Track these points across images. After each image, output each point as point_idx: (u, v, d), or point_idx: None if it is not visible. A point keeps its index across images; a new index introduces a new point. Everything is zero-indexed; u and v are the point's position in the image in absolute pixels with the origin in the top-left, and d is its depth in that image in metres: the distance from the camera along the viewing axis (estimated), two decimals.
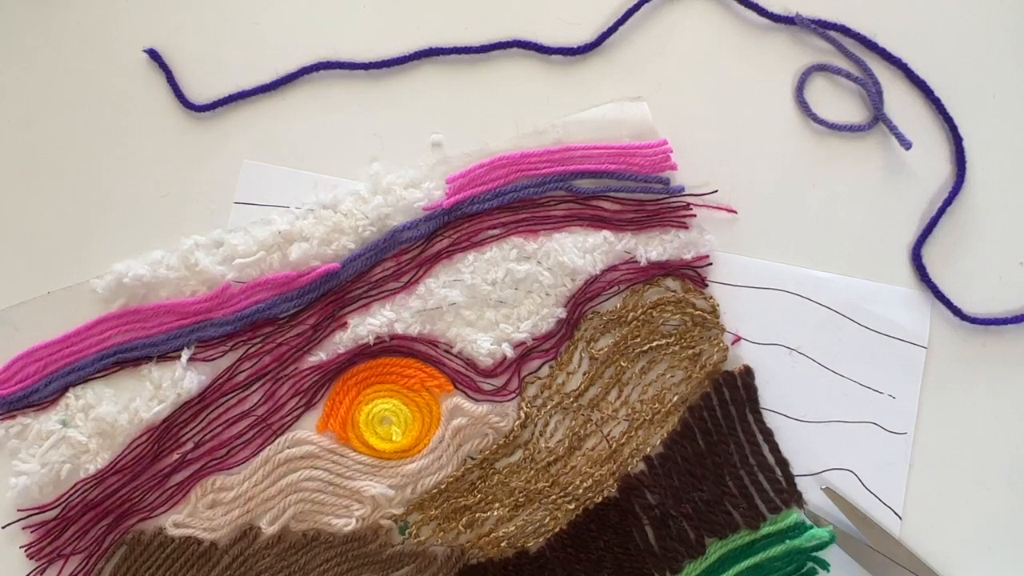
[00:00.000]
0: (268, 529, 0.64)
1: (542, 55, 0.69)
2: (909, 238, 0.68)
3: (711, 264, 0.67)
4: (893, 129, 0.67)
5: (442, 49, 0.68)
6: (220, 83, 0.68)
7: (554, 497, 0.65)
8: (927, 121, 0.69)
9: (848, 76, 0.68)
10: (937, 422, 0.66)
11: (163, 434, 0.64)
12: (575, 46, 0.69)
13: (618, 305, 0.66)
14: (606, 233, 0.67)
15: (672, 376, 0.66)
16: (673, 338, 0.66)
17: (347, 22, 0.69)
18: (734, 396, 0.65)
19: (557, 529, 0.64)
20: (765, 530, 0.64)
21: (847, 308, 0.67)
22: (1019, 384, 0.67)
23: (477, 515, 0.64)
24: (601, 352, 0.66)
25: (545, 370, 0.66)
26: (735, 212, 0.67)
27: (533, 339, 0.66)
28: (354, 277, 0.66)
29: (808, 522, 0.64)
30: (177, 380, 0.64)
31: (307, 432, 0.65)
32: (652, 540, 0.64)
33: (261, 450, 0.65)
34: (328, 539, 0.64)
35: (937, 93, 0.68)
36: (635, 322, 0.66)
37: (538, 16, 0.69)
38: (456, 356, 0.66)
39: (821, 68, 0.68)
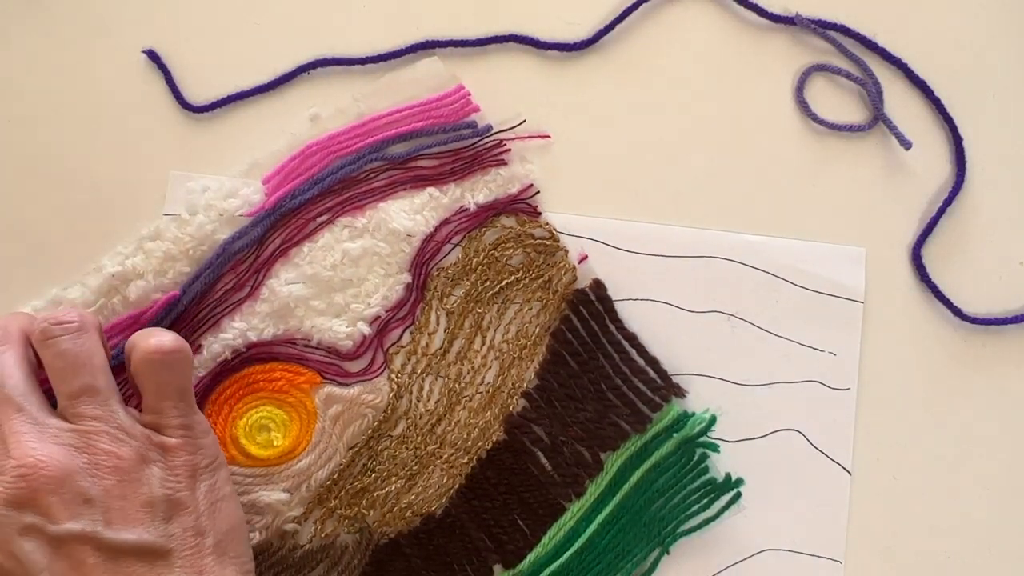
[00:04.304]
0: None
1: (539, 50, 0.69)
2: (909, 238, 0.68)
3: (539, 192, 0.68)
4: (893, 129, 0.67)
5: (438, 42, 0.68)
6: (220, 83, 0.68)
7: (446, 456, 0.65)
8: (927, 121, 0.69)
9: (848, 76, 0.68)
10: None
11: None
12: (572, 42, 0.69)
13: (460, 255, 0.67)
14: (430, 190, 0.67)
15: (529, 309, 0.66)
16: (520, 272, 0.66)
17: (347, 23, 0.69)
18: (591, 311, 0.66)
19: (457, 486, 0.65)
20: (653, 430, 0.65)
21: (782, 269, 0.67)
22: (1019, 384, 0.67)
23: (376, 493, 0.64)
24: (456, 305, 0.66)
25: (407, 337, 0.66)
26: (548, 137, 0.68)
27: (386, 310, 0.66)
28: (198, 299, 0.66)
29: (689, 411, 0.65)
30: None
31: None
32: (550, 470, 0.65)
33: None
34: None
35: (937, 93, 0.68)
36: (480, 267, 0.66)
37: (537, 15, 0.69)
38: (317, 347, 0.66)
39: (821, 68, 0.68)
